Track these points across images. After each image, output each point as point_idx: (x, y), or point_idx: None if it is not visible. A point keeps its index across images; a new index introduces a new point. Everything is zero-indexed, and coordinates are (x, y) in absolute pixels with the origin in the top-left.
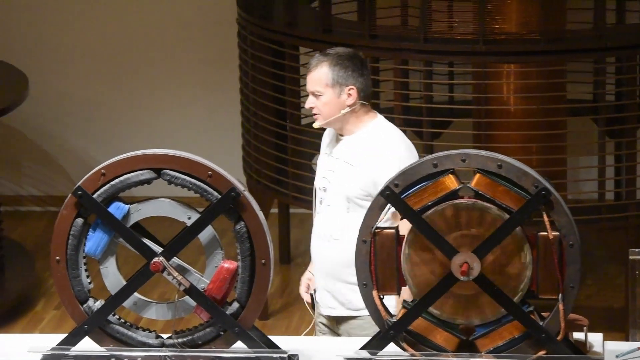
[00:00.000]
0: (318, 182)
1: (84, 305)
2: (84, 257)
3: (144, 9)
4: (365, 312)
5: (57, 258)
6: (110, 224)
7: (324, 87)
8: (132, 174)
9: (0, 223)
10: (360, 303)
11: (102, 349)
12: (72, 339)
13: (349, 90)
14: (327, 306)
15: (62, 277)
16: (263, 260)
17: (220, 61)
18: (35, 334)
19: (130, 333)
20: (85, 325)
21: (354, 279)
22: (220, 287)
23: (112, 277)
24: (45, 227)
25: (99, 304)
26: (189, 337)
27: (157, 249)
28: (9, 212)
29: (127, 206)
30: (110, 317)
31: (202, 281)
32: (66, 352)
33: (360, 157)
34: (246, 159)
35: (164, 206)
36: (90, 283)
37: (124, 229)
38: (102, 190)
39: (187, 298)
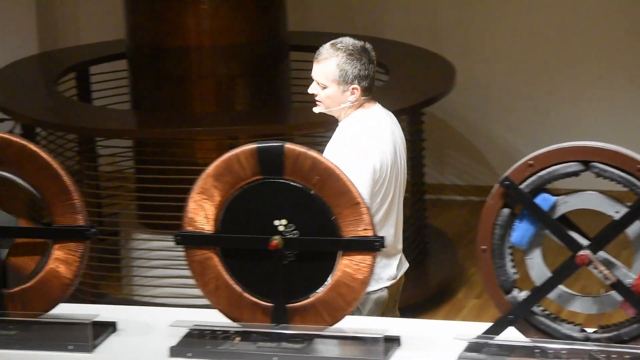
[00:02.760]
0: None
1: (509, 295)
2: (510, 247)
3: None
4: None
5: (483, 247)
6: (536, 215)
7: (330, 81)
8: (560, 165)
9: (424, 211)
10: None
11: (526, 339)
12: (496, 328)
13: (354, 89)
14: None
15: (488, 267)
16: None
17: None
18: (457, 322)
19: (554, 325)
20: (510, 315)
21: None
22: None
23: (538, 268)
24: (467, 217)
25: (524, 294)
26: (614, 333)
27: (584, 242)
28: (432, 201)
29: (554, 198)
30: (535, 308)
31: (629, 276)
32: (490, 341)
33: (332, 142)
34: None
35: (592, 199)
36: (515, 273)
37: (550, 220)
38: (529, 181)
39: (613, 293)
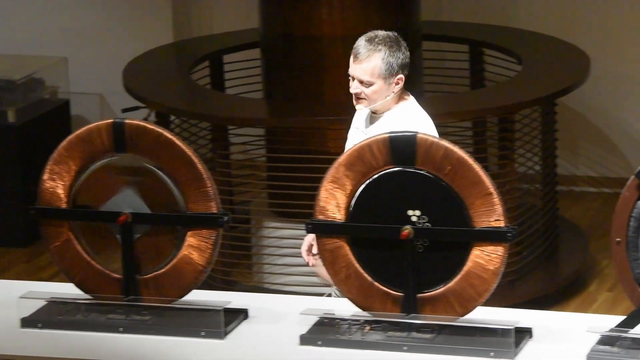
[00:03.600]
0: None
1: None
2: None
3: None
4: None
5: (618, 239)
6: None
7: (376, 77)
8: None
9: (555, 202)
10: None
11: None
12: (630, 321)
13: (399, 79)
14: None
15: (622, 259)
16: None
17: None
18: (589, 314)
19: None
20: None
21: None
22: None
23: None
24: (599, 208)
25: None
26: None
27: None
28: (564, 192)
29: None
30: None
31: None
32: (624, 334)
33: (382, 129)
34: None
35: None
36: None
37: None
38: None
39: None
